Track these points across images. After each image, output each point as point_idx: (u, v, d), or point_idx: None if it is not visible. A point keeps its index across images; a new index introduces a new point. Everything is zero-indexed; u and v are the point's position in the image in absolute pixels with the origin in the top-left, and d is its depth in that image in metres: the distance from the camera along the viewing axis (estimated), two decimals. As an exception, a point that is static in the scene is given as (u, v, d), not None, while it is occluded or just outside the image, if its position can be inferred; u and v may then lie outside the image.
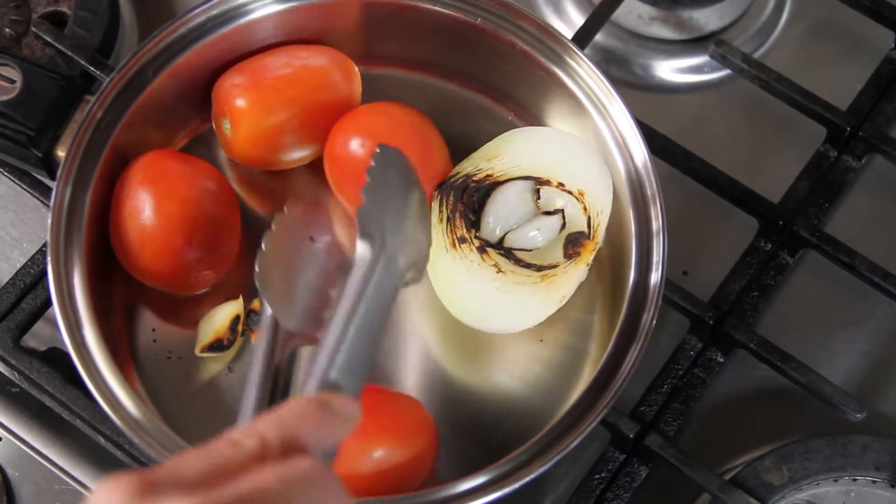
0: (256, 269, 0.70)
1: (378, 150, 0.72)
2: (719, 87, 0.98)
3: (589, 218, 0.80)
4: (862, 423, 0.80)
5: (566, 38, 0.83)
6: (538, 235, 0.79)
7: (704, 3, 0.99)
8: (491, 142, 0.83)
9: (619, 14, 0.96)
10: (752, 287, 0.85)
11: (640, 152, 0.80)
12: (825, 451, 0.79)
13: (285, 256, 0.72)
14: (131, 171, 0.79)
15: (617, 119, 0.81)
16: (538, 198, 0.80)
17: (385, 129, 0.81)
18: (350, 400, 0.57)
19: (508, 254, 0.78)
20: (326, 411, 0.55)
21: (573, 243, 0.79)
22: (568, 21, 0.99)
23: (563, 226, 0.80)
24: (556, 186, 0.80)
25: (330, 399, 0.56)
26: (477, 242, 0.78)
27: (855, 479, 0.79)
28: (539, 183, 0.80)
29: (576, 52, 0.82)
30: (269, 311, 0.69)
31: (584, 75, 0.82)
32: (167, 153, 0.82)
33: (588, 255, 0.79)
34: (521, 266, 0.78)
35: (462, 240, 0.78)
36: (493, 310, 0.78)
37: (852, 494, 0.79)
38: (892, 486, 0.79)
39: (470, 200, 0.79)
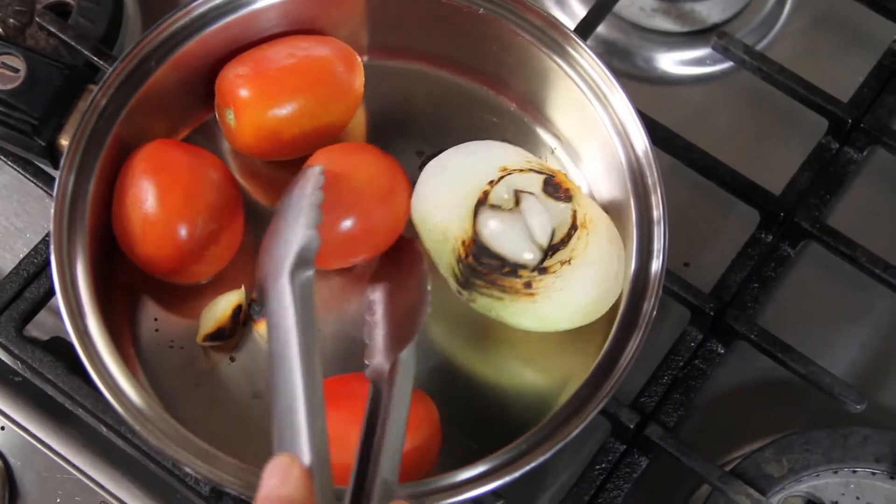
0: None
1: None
2: (721, 79, 0.98)
3: (531, 170, 0.78)
4: (862, 415, 0.80)
5: (569, 29, 0.83)
6: (545, 216, 0.76)
7: (707, -5, 0.99)
8: (418, 230, 0.80)
9: (622, 6, 0.97)
10: (753, 278, 0.85)
11: (640, 141, 0.80)
12: (825, 442, 0.80)
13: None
14: (134, 160, 0.79)
15: (618, 109, 0.81)
16: (499, 206, 0.77)
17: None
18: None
19: (553, 249, 0.76)
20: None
21: (553, 188, 0.77)
22: (570, 12, 0.99)
23: (533, 194, 0.77)
24: (491, 186, 0.77)
25: None
26: (532, 272, 0.75)
27: (855, 471, 0.80)
28: (481, 202, 0.77)
29: (578, 43, 0.82)
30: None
31: (587, 66, 0.82)
32: (170, 143, 0.83)
33: (573, 184, 0.78)
34: (566, 243, 0.76)
35: (527, 285, 0.75)
36: (598, 286, 0.76)
37: (852, 486, 0.80)
38: (892, 478, 0.79)
39: (486, 266, 0.76)
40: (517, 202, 0.77)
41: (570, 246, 0.76)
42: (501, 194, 0.77)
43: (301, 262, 0.69)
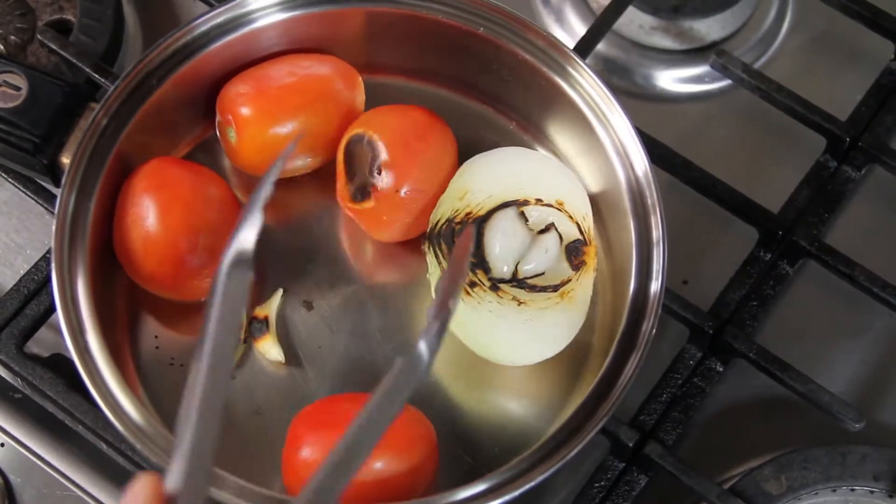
0: None
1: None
2: (720, 97, 0.99)
3: (577, 224, 0.80)
4: (861, 433, 0.80)
5: (568, 48, 0.83)
6: (546, 257, 0.78)
7: (705, 13, 0.99)
8: (453, 179, 0.81)
9: (621, 24, 0.97)
10: (751, 297, 0.85)
11: (640, 162, 0.80)
12: (824, 460, 0.80)
13: None
14: (135, 178, 0.79)
15: (618, 129, 0.81)
16: (526, 220, 0.79)
17: (400, 129, 0.82)
18: None
19: (521, 283, 0.78)
20: None
21: (575, 253, 0.79)
22: (570, 31, 1.00)
23: (561, 238, 0.80)
24: (536, 203, 0.80)
25: None
26: (488, 282, 0.77)
27: (853, 489, 0.80)
28: (519, 205, 0.80)
29: (577, 62, 0.82)
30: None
31: (586, 85, 0.82)
32: (171, 160, 0.83)
33: (592, 261, 0.79)
34: (538, 291, 0.78)
35: (472, 284, 0.77)
36: (526, 342, 0.77)
37: (851, 504, 0.80)
38: (891, 496, 0.79)
39: (458, 234, 0.78)
40: (540, 231, 0.79)
41: (537, 296, 0.77)
42: (539, 214, 0.79)
43: (237, 261, 0.66)
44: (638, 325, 0.76)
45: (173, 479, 0.58)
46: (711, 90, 0.99)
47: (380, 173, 0.79)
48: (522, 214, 0.79)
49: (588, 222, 0.80)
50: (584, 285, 0.79)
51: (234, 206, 0.81)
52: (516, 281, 0.78)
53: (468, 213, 0.79)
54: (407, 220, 0.81)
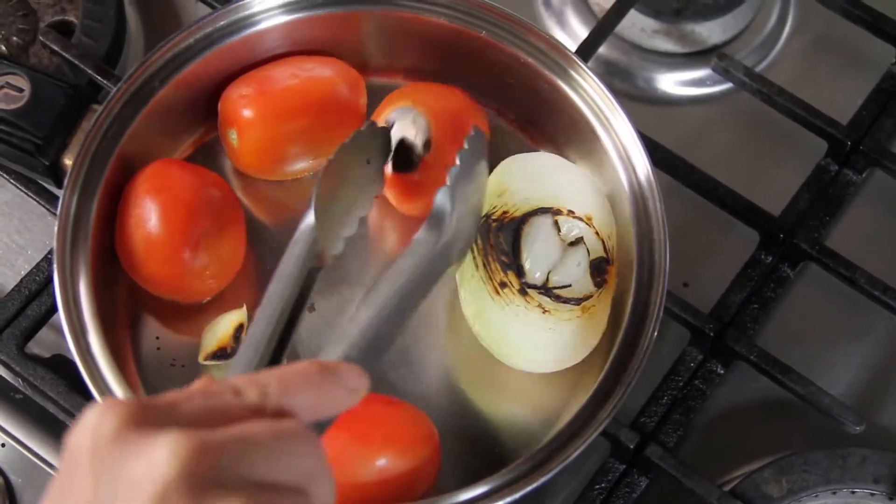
0: (315, 188, 0.71)
1: (472, 133, 0.73)
2: (721, 101, 0.99)
3: (603, 242, 0.80)
4: (861, 436, 0.80)
5: (570, 51, 0.83)
6: (578, 270, 0.79)
7: (707, 16, 0.99)
8: (491, 175, 0.81)
9: (623, 27, 0.97)
10: (752, 299, 0.85)
11: (642, 165, 0.80)
12: (824, 463, 0.80)
13: (342, 178, 0.75)
14: (137, 179, 0.79)
15: (620, 132, 0.81)
16: (559, 230, 0.80)
17: (445, 106, 0.83)
18: (359, 373, 0.55)
19: (548, 292, 0.78)
20: (331, 379, 0.54)
21: (599, 270, 0.79)
22: (571, 34, 1.00)
23: (588, 254, 0.80)
24: (568, 214, 0.80)
25: (338, 368, 0.55)
26: (517, 285, 0.77)
27: (853, 492, 0.80)
28: (554, 213, 0.80)
29: (580, 65, 0.82)
30: (311, 224, 0.69)
31: (588, 88, 0.82)
32: (173, 162, 0.83)
33: (613, 280, 0.79)
34: (562, 302, 0.78)
35: (503, 284, 0.77)
36: (545, 351, 0.78)
37: (850, 507, 0.80)
38: (891, 499, 0.79)
39: (497, 241, 0.78)
40: (571, 243, 0.79)
41: (561, 307, 0.77)
42: (569, 226, 0.79)
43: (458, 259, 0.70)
44: (640, 328, 0.76)
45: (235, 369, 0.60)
46: (713, 93, 0.99)
47: (427, 148, 0.80)
48: (556, 223, 0.79)
49: (612, 241, 0.80)
50: (603, 303, 0.79)
51: (235, 208, 0.81)
52: (545, 289, 0.78)
53: (505, 212, 0.79)
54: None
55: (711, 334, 0.82)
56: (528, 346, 0.78)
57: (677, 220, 0.81)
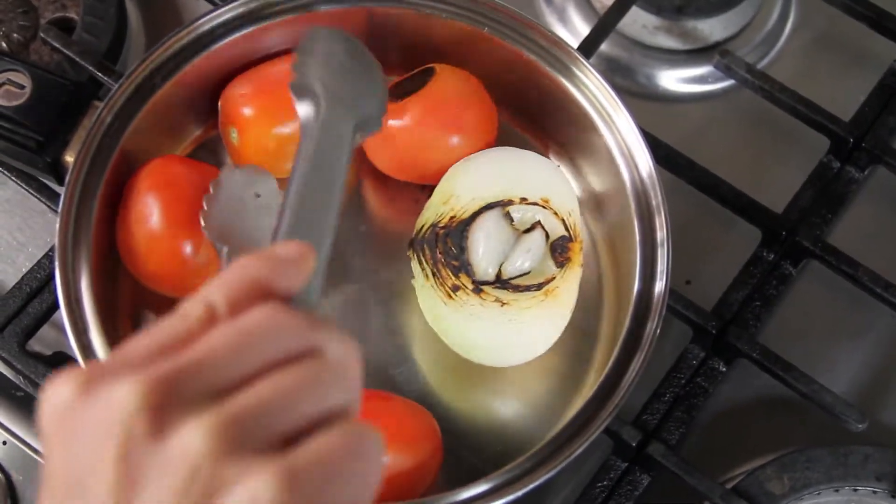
0: (202, 218, 0.73)
1: (310, 31, 0.75)
2: (723, 98, 0.98)
3: (563, 220, 0.79)
4: (863, 434, 0.80)
5: (573, 48, 0.83)
6: (530, 256, 0.78)
7: (709, 13, 0.99)
8: (438, 185, 0.81)
9: (624, 24, 0.97)
10: (754, 297, 0.85)
11: (645, 162, 0.80)
12: (826, 460, 0.80)
13: (232, 208, 0.76)
14: (139, 176, 0.79)
15: (623, 129, 0.81)
16: (511, 220, 0.79)
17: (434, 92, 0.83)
18: (297, 243, 0.53)
19: (505, 284, 0.78)
20: (271, 259, 0.51)
21: (560, 250, 0.79)
22: (573, 30, 1.00)
23: (547, 236, 0.79)
24: (521, 202, 0.79)
25: (272, 249, 0.53)
26: (471, 285, 0.77)
27: (856, 490, 0.80)
28: (504, 206, 0.79)
29: (583, 63, 0.82)
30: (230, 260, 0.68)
31: (591, 85, 0.82)
32: (175, 159, 0.83)
33: (578, 256, 0.79)
34: (522, 291, 0.77)
35: (455, 288, 0.77)
36: (511, 344, 0.77)
37: (853, 504, 0.80)
38: (893, 497, 0.79)
39: (446, 248, 0.78)
40: (526, 230, 0.78)
41: (521, 295, 0.77)
42: (524, 213, 0.79)
43: (363, 124, 0.70)
44: (642, 325, 0.76)
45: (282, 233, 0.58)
46: (715, 90, 0.99)
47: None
48: (508, 215, 0.79)
49: (574, 218, 0.80)
50: (569, 282, 0.78)
51: None
52: (500, 282, 0.78)
53: (452, 217, 0.79)
54: (413, 157, 0.84)
55: (714, 332, 0.82)
56: (490, 343, 0.78)
57: (679, 217, 0.81)
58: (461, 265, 0.78)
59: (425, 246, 0.79)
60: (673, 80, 0.99)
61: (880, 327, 0.89)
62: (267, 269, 0.51)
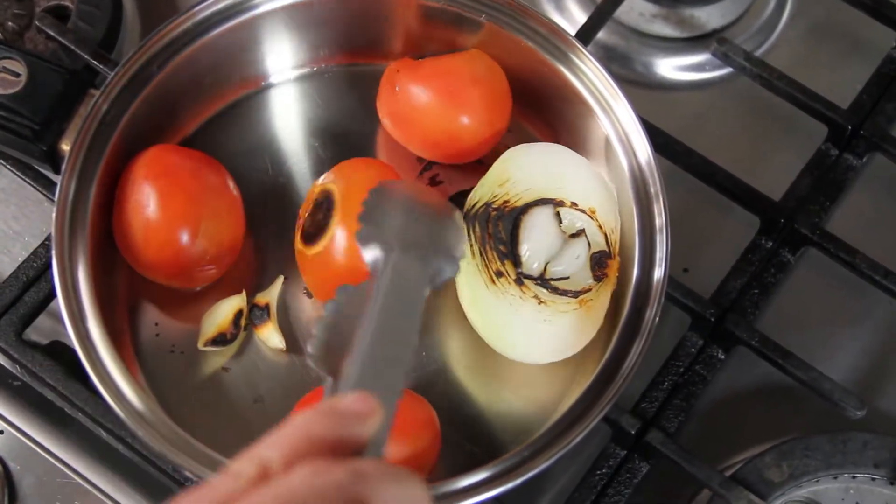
0: (308, 345, 0.65)
1: (376, 186, 0.73)
2: (721, 85, 0.98)
3: (605, 235, 0.80)
4: (862, 421, 0.80)
5: (571, 36, 0.83)
6: (577, 263, 0.78)
7: (706, 1, 0.99)
8: (495, 164, 0.81)
9: (622, 12, 0.97)
10: (753, 284, 0.85)
11: (643, 150, 0.80)
12: (825, 448, 0.80)
13: (344, 332, 0.64)
14: (135, 165, 0.79)
15: (621, 117, 0.81)
16: (560, 221, 0.79)
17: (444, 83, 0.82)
18: (361, 396, 0.54)
19: (545, 283, 0.77)
20: (334, 414, 0.52)
21: (599, 264, 0.79)
22: (570, 18, 0.99)
23: (589, 246, 0.79)
24: (571, 206, 0.79)
25: (336, 402, 0.53)
26: (514, 275, 0.77)
27: (854, 477, 0.80)
28: (556, 205, 0.79)
29: (580, 50, 0.82)
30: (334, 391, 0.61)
31: (589, 73, 0.82)
32: (171, 148, 0.83)
33: (614, 275, 0.79)
34: (559, 294, 0.77)
35: (499, 273, 0.77)
36: (540, 343, 0.77)
37: (851, 492, 0.80)
38: (892, 484, 0.80)
39: (496, 230, 0.78)
40: (571, 235, 0.79)
41: (558, 299, 0.77)
42: (571, 218, 0.79)
43: (439, 268, 0.69)
44: (641, 313, 0.76)
45: (352, 382, 0.57)
46: (712, 78, 0.99)
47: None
48: (558, 215, 0.79)
49: (615, 236, 0.80)
50: (602, 297, 0.78)
51: (233, 194, 0.81)
52: (541, 280, 0.78)
53: (506, 202, 0.79)
54: (415, 120, 0.83)
55: (712, 319, 0.82)
56: (521, 337, 0.77)
57: (678, 205, 0.81)
58: (508, 252, 0.78)
59: (476, 223, 0.78)
60: (670, 67, 0.99)
61: (878, 314, 0.89)
62: (328, 426, 0.52)
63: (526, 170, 0.80)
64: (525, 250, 0.78)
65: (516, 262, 0.78)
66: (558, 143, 0.86)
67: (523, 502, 0.81)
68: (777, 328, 0.84)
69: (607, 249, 0.79)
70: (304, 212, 0.79)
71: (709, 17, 1.00)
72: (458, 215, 0.76)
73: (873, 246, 0.87)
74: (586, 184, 0.81)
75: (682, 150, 0.89)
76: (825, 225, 0.88)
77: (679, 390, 0.81)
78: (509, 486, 0.70)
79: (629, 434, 0.79)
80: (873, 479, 0.80)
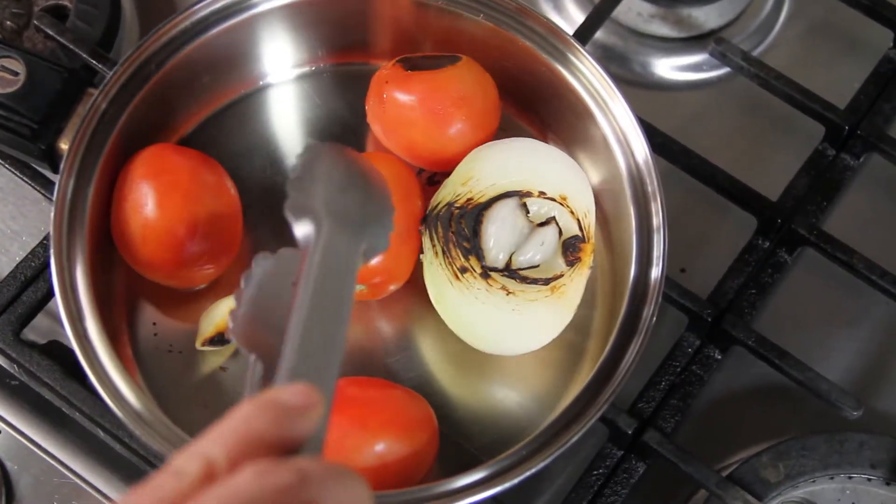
0: (229, 319, 0.62)
1: (305, 146, 0.69)
2: (718, 85, 0.98)
3: (578, 220, 0.80)
4: (858, 421, 0.81)
5: (569, 36, 0.83)
6: (542, 250, 0.78)
7: (704, 1, 0.99)
8: (460, 164, 0.81)
9: (619, 11, 0.97)
10: (750, 285, 0.85)
11: (640, 149, 0.80)
12: (822, 448, 0.80)
13: (264, 305, 0.64)
14: (133, 164, 0.79)
15: (618, 116, 0.81)
16: (527, 211, 0.79)
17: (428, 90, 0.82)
18: (304, 387, 0.51)
19: (513, 273, 0.78)
20: (276, 408, 0.50)
21: (571, 249, 0.79)
22: (568, 18, 0.99)
23: (560, 233, 0.79)
24: (539, 196, 0.79)
25: (277, 394, 0.51)
26: (479, 269, 0.77)
27: (851, 477, 0.80)
28: (522, 196, 0.79)
29: (579, 50, 0.82)
30: (257, 366, 0.60)
31: (587, 72, 0.82)
32: (169, 147, 0.83)
33: (588, 258, 0.79)
34: (529, 283, 0.77)
35: (463, 269, 0.77)
36: (511, 333, 0.77)
37: (848, 492, 0.80)
38: (888, 484, 0.80)
39: (459, 228, 0.78)
40: (541, 224, 0.79)
41: (528, 287, 0.77)
42: (540, 207, 0.79)
43: (371, 244, 0.65)
44: (638, 312, 0.76)
45: (288, 368, 0.55)
46: (710, 78, 0.99)
47: None
48: (524, 206, 0.79)
49: (589, 219, 0.80)
50: (576, 282, 0.78)
51: (231, 193, 0.81)
52: (508, 271, 0.78)
53: (469, 199, 0.79)
54: (403, 134, 0.83)
55: (709, 319, 0.82)
56: (491, 330, 0.77)
57: (675, 205, 0.81)
58: (472, 248, 0.78)
59: (438, 223, 0.79)
60: (668, 67, 0.99)
61: (875, 314, 0.89)
62: (270, 421, 0.50)
63: (490, 167, 0.80)
64: (488, 243, 0.78)
65: (480, 256, 0.78)
66: (555, 142, 0.86)
67: (521, 502, 0.81)
68: (774, 328, 0.84)
69: (580, 234, 0.79)
70: None
71: (707, 17, 1.00)
72: (384, 183, 0.72)
73: (870, 246, 0.87)
74: (556, 172, 0.81)
75: (680, 149, 0.89)
76: (822, 225, 0.88)
77: (676, 390, 0.82)
78: (506, 485, 0.70)
79: (626, 434, 0.79)
80: (869, 480, 0.80)
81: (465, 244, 0.78)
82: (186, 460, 0.49)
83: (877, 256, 0.86)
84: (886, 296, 0.86)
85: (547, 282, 0.77)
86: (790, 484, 0.79)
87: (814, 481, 0.80)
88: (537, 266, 0.78)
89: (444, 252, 0.78)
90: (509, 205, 0.79)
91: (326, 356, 0.56)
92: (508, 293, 0.77)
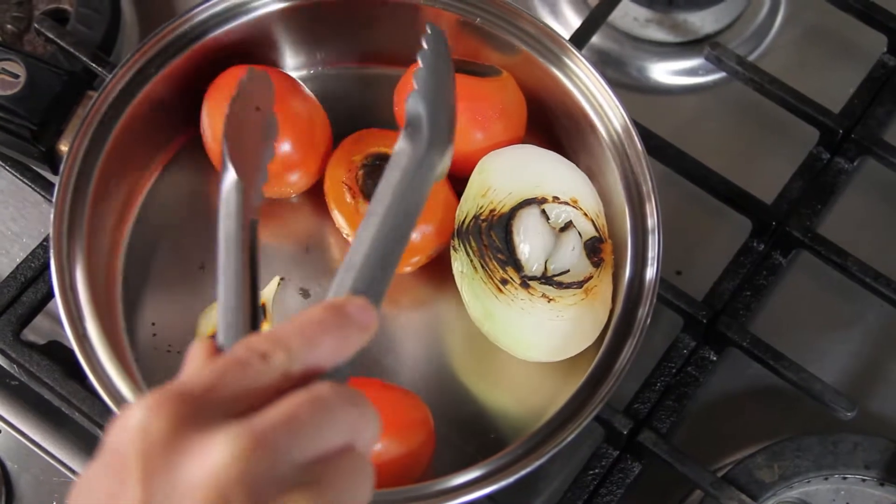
0: (224, 145, 0.66)
1: (429, 32, 0.71)
2: (714, 90, 0.99)
3: (592, 221, 0.80)
4: (852, 422, 0.81)
5: (565, 39, 0.83)
6: (574, 253, 0.79)
7: (699, 6, 1.00)
8: (472, 176, 0.81)
9: (615, 16, 0.97)
10: (745, 287, 0.86)
11: (635, 152, 0.80)
12: (816, 449, 0.80)
13: (242, 129, 0.69)
14: (223, 78, 0.81)
15: (614, 120, 0.81)
16: (548, 218, 0.80)
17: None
18: (367, 308, 0.53)
19: (549, 280, 0.78)
20: (343, 319, 0.52)
21: (594, 250, 0.79)
22: (564, 23, 1.00)
23: (580, 236, 0.80)
24: (553, 201, 0.80)
25: (347, 306, 0.53)
26: (518, 279, 0.77)
27: (845, 478, 0.80)
28: (539, 203, 0.80)
29: (574, 54, 0.83)
30: (234, 179, 0.64)
31: (583, 76, 0.82)
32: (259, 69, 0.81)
33: (610, 257, 0.80)
34: (564, 288, 0.78)
35: (504, 281, 0.77)
36: (559, 339, 0.77)
37: (842, 493, 0.80)
38: (882, 485, 0.80)
39: (490, 240, 0.78)
40: (561, 229, 0.79)
41: (565, 292, 0.78)
42: (557, 212, 0.79)
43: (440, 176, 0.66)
44: (633, 313, 0.76)
45: (221, 336, 0.57)
46: (705, 83, 0.99)
47: None
48: (544, 212, 0.80)
49: (602, 220, 0.81)
50: (604, 282, 0.79)
51: (319, 110, 0.84)
52: (545, 278, 0.78)
53: (492, 210, 0.79)
54: None
55: (704, 321, 0.83)
56: (541, 338, 0.78)
57: (670, 208, 0.81)
58: (508, 259, 0.78)
59: (471, 237, 0.78)
60: (664, 72, 1.00)
61: (869, 317, 0.89)
62: (339, 331, 0.52)
63: (503, 175, 0.80)
64: (523, 253, 0.78)
65: (517, 266, 0.78)
66: (552, 146, 0.86)
67: (516, 502, 0.82)
68: (769, 330, 0.85)
69: (598, 234, 0.80)
70: (350, 173, 0.81)
71: (702, 22, 1.00)
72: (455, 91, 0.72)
73: (864, 249, 0.87)
74: (562, 176, 0.81)
75: (675, 153, 0.89)
76: (817, 228, 0.88)
77: (671, 391, 0.82)
78: (502, 483, 0.71)
79: (622, 434, 0.79)
80: (864, 480, 0.80)
81: (500, 256, 0.78)
82: (271, 347, 0.50)
83: (871, 259, 0.87)
84: (880, 298, 0.86)
85: (580, 284, 0.78)
86: (785, 484, 0.79)
87: (808, 482, 0.80)
88: (569, 271, 0.79)
89: (482, 265, 0.78)
90: (532, 213, 0.79)
91: (384, 274, 0.57)
92: (549, 300, 0.77)
